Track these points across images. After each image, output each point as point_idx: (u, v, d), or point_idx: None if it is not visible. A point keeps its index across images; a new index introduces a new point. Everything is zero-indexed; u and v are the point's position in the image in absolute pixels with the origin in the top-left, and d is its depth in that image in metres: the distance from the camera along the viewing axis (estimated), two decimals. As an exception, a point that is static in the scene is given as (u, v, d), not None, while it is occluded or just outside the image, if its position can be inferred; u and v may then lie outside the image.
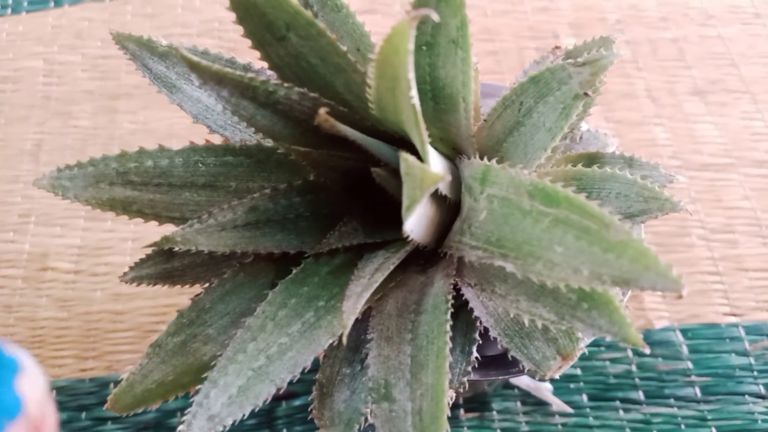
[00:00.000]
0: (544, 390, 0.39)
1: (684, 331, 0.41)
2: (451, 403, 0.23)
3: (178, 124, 0.49)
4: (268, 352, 0.22)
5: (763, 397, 0.39)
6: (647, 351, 0.20)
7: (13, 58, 0.53)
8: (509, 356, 0.25)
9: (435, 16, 0.17)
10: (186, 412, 0.21)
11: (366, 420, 0.24)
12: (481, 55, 0.52)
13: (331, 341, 0.23)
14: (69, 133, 0.50)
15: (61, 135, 0.50)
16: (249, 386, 0.22)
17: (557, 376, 0.24)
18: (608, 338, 0.20)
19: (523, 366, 0.24)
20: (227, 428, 0.22)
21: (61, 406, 0.40)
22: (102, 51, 0.53)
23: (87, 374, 0.41)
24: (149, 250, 0.26)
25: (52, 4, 0.56)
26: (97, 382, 0.40)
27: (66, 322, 0.42)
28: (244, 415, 0.22)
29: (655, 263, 0.18)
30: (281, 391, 0.22)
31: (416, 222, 0.22)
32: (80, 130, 0.50)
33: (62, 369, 0.41)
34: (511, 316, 0.23)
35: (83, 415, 0.39)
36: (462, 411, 0.39)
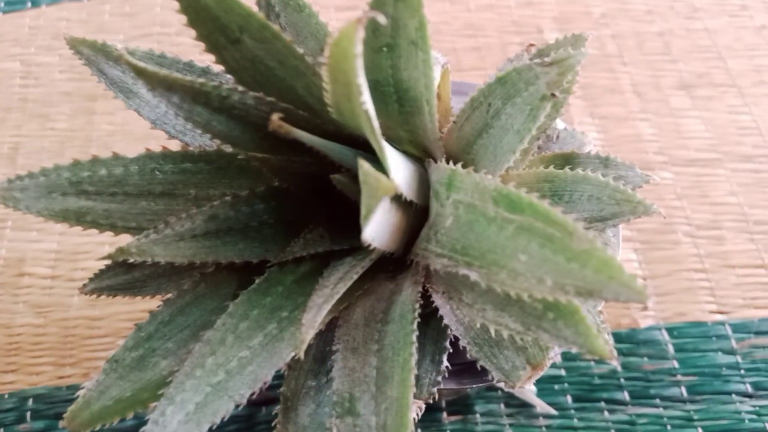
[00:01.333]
0: (528, 392, 0.38)
1: (670, 330, 0.40)
2: (419, 416, 0.22)
3: (155, 125, 0.48)
4: (228, 367, 0.22)
5: (749, 396, 0.38)
6: (615, 363, 0.19)
7: (-11, 60, 0.52)
8: (478, 366, 0.24)
9: (382, 19, 0.16)
10: (141, 430, 0.21)
11: (330, 434, 0.23)
12: (465, 50, 0.51)
13: (293, 354, 0.22)
14: (46, 136, 0.49)
15: (39, 138, 0.49)
16: (207, 403, 0.21)
17: (529, 386, 0.23)
18: (574, 350, 0.19)
19: (492, 375, 0.24)
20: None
21: (39, 415, 0.39)
22: (79, 51, 0.52)
23: (64, 381, 0.40)
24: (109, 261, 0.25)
25: (29, 4, 0.55)
26: (74, 389, 0.40)
27: (43, 328, 0.42)
28: (202, 433, 0.21)
29: (619, 273, 0.17)
30: (241, 406, 0.22)
31: (378, 230, 0.22)
32: (58, 133, 0.49)
33: (39, 377, 0.40)
34: (478, 325, 0.23)
35: (61, 423, 0.39)
36: (445, 414, 0.38)
